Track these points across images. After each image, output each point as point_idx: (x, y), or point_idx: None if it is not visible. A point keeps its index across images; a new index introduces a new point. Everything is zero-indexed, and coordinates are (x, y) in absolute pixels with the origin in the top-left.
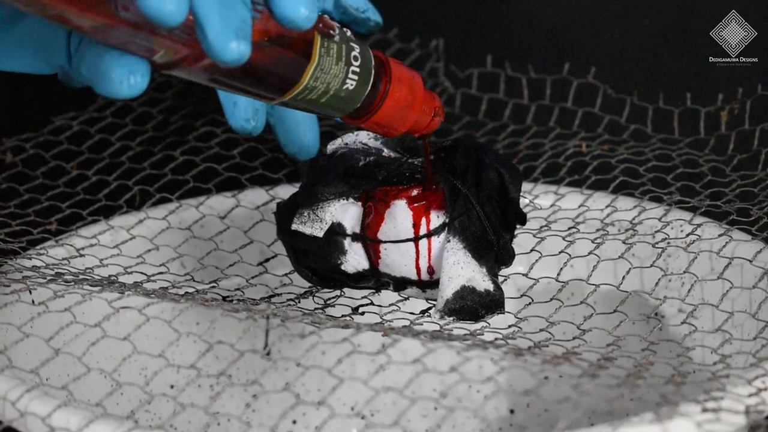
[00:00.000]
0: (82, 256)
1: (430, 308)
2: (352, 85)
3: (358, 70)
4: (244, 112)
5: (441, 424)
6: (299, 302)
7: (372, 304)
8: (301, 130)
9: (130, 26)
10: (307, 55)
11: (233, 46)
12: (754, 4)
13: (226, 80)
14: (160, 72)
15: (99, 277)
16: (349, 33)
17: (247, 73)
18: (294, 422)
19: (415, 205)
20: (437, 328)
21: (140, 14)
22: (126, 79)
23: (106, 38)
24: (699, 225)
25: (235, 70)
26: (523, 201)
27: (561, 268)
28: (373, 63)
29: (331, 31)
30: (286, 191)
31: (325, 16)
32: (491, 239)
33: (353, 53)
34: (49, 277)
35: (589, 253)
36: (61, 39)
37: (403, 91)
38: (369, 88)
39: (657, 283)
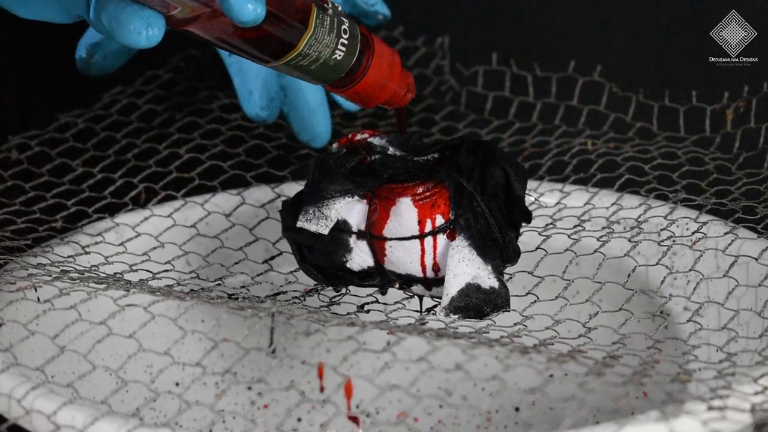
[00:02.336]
0: (87, 253)
1: (435, 306)
2: (340, 55)
3: (346, 42)
4: (259, 100)
5: (446, 421)
6: (304, 300)
7: (377, 301)
8: (315, 118)
9: None
10: (304, 24)
11: (250, 8)
12: (754, 4)
13: (232, 40)
14: (172, 27)
15: (104, 275)
16: (340, 8)
17: (252, 36)
18: (299, 420)
19: (421, 202)
20: (442, 326)
21: None
22: (144, 30)
23: None
24: (705, 223)
25: (243, 32)
26: (529, 199)
27: (566, 266)
28: (359, 38)
29: (326, 4)
30: (291, 189)
31: None
32: (496, 237)
33: (343, 27)
34: (54, 275)
35: (595, 251)
36: None
37: (384, 66)
38: (354, 60)
39: (662, 281)
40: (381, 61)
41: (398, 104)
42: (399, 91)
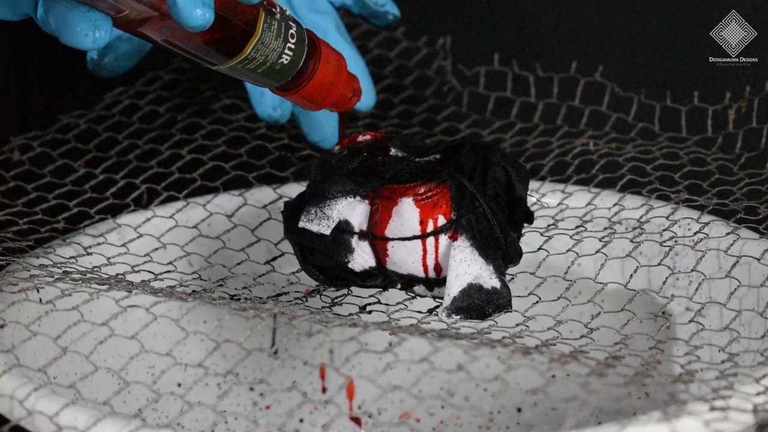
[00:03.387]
0: (89, 254)
1: (437, 307)
2: (286, 60)
3: (293, 46)
4: (270, 101)
5: (448, 422)
6: (306, 301)
7: (379, 302)
8: (324, 119)
9: None
10: (251, 29)
11: (198, 13)
12: (754, 4)
13: (179, 43)
14: (120, 29)
15: (106, 276)
16: (288, 12)
17: (199, 40)
18: (301, 421)
19: (422, 202)
20: (444, 326)
21: None
22: (91, 32)
23: None
24: (706, 223)
25: (190, 35)
26: (531, 199)
27: (568, 267)
28: (306, 42)
29: (274, 9)
30: (293, 190)
31: None
32: (498, 237)
33: (290, 31)
34: (56, 276)
35: (597, 252)
36: None
37: (330, 70)
38: (301, 64)
39: (664, 282)
40: (327, 65)
41: (344, 108)
42: (345, 94)
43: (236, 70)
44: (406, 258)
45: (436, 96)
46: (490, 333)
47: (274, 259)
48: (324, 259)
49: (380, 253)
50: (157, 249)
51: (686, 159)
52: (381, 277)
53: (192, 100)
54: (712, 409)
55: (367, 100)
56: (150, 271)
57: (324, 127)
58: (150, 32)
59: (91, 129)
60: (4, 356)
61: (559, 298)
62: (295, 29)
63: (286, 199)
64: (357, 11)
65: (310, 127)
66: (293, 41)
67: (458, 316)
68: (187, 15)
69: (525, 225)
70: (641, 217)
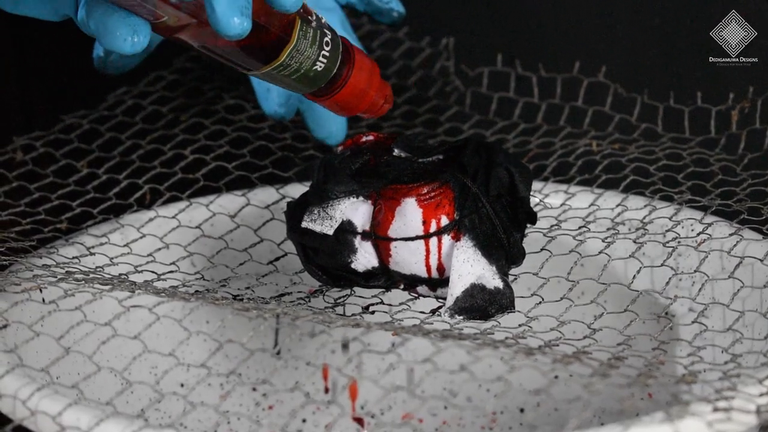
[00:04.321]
0: (92, 254)
1: (440, 307)
2: (320, 67)
3: (327, 54)
4: (277, 98)
5: (450, 422)
6: (309, 301)
7: (382, 303)
8: (330, 116)
9: None
10: (287, 36)
11: (236, 22)
12: (754, 4)
13: (216, 49)
14: (158, 33)
15: (109, 276)
16: (324, 20)
17: (236, 46)
18: (304, 421)
19: (425, 202)
20: (447, 327)
21: None
22: (130, 37)
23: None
24: (710, 224)
25: (226, 42)
26: (534, 200)
27: (571, 268)
28: (340, 50)
29: (310, 17)
30: (296, 190)
31: (305, 2)
32: (501, 238)
33: (325, 39)
34: (59, 276)
35: (600, 253)
36: None
37: (363, 77)
38: (334, 71)
39: (668, 283)
40: (360, 73)
41: (376, 114)
42: (377, 101)
43: (271, 75)
44: (409, 258)
45: (439, 96)
46: (493, 333)
47: (277, 259)
48: (327, 260)
49: (383, 253)
50: (160, 249)
51: (689, 160)
52: (384, 277)
53: (195, 101)
54: (715, 410)
55: None
56: (153, 272)
57: (330, 123)
58: (187, 38)
59: (94, 129)
60: (7, 356)
61: (562, 298)
62: (330, 37)
63: (289, 200)
64: (362, 8)
65: (317, 123)
66: (328, 49)
67: (461, 317)
68: (226, 24)
69: (528, 225)
70: (644, 218)
